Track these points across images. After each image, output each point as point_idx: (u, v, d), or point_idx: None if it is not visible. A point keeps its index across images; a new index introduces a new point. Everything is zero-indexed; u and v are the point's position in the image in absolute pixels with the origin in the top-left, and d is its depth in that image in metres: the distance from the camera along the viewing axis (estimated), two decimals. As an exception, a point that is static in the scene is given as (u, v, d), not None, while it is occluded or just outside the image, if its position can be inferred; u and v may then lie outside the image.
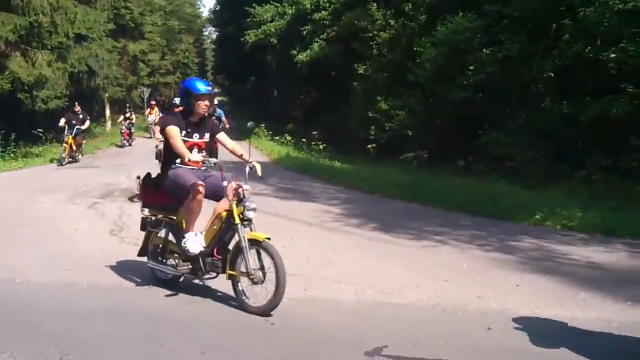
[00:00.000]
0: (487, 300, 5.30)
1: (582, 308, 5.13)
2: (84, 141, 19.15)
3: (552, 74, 14.15)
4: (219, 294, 5.44)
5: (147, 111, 26.98)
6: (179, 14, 56.95)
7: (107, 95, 33.31)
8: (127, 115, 25.77)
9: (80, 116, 18.07)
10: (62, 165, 16.81)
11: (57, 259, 6.58)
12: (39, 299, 5.29)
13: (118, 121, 26.53)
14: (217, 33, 60.46)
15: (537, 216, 9.17)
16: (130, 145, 25.02)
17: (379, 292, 5.56)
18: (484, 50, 14.97)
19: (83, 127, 18.16)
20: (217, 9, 54.35)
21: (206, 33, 76.86)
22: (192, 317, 4.85)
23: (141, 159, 18.77)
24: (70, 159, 17.37)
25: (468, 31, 15.56)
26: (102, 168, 16.59)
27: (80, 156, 18.32)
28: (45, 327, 4.44)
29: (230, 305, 5.14)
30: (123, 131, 25.44)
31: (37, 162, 18.15)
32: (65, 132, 17.15)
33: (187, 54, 60.31)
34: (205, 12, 72.41)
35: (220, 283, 5.68)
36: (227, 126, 12.67)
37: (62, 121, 17.58)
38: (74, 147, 17.53)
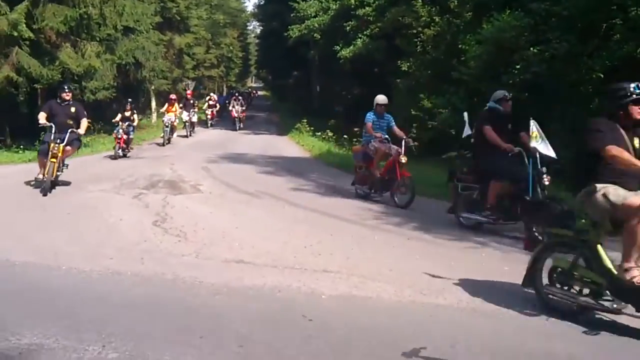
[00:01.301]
0: (527, 305, 5.21)
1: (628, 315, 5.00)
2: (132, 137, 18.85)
3: (602, 75, 13.79)
4: (258, 287, 5.48)
5: (165, 108, 23.16)
6: (224, 8, 57.48)
7: (153, 87, 33.88)
8: (127, 114, 18.39)
9: (127, 114, 18.29)
10: (115, 159, 16.95)
11: (101, 247, 6.73)
12: (83, 287, 5.42)
13: (113, 120, 18.77)
14: (261, 28, 60.84)
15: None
16: (125, 156, 17.58)
17: (417, 292, 5.53)
18: (531, 49, 14.67)
19: (134, 124, 18.58)
20: (261, 3, 54.74)
21: (250, 27, 77.47)
22: (230, 310, 4.90)
23: (184, 151, 19.09)
24: (122, 155, 17.38)
25: (515, 29, 15.27)
26: (146, 159, 16.90)
27: (129, 152, 18.18)
28: (89, 314, 4.54)
29: (268, 299, 5.19)
30: (120, 136, 17.33)
31: (85, 152, 18.54)
32: (117, 129, 17.32)
33: (231, 48, 60.87)
34: (249, 7, 73.45)
35: (260, 280, 5.74)
36: None
37: (118, 117, 18.08)
38: (123, 144, 17.54)
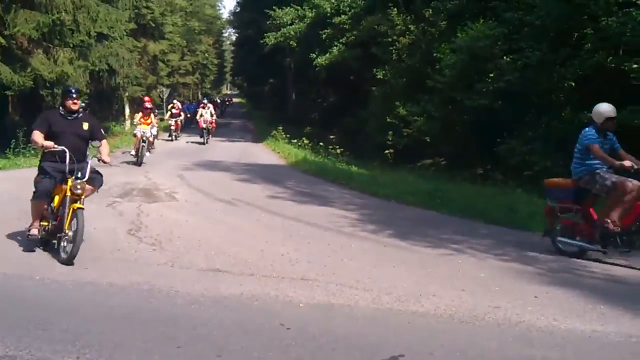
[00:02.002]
0: (504, 311, 5.25)
1: (602, 322, 5.07)
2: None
3: (573, 83, 14.03)
4: (235, 296, 5.45)
5: (138, 118, 19.38)
6: (200, 15, 57.33)
7: (127, 94, 33.57)
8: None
9: (150, 111, 19.05)
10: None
11: (76, 257, 6.61)
12: (57, 297, 5.34)
13: (135, 122, 19.67)
14: (236, 35, 60.82)
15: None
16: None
17: (395, 299, 5.54)
18: (504, 57, 14.88)
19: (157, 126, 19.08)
20: (237, 10, 54.70)
21: (226, 35, 77.47)
22: (207, 319, 4.85)
23: (159, 159, 18.92)
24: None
25: (488, 38, 15.48)
26: (120, 167, 16.70)
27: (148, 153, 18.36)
28: (63, 326, 4.47)
29: (245, 308, 5.15)
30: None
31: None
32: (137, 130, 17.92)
33: (206, 55, 60.67)
34: (225, 14, 73.20)
35: (237, 289, 5.71)
36: None
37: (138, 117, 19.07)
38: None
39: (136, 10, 33.00)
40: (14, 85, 18.23)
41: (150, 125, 18.83)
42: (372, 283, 6.01)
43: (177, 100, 33.69)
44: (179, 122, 28.52)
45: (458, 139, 17.26)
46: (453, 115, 17.37)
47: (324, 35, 25.51)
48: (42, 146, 6.73)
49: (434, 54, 17.96)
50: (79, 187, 6.55)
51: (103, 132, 7.77)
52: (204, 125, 26.41)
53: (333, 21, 25.29)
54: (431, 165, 17.56)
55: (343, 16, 25.08)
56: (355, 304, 5.42)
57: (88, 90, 24.41)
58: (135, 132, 18.18)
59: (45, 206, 6.88)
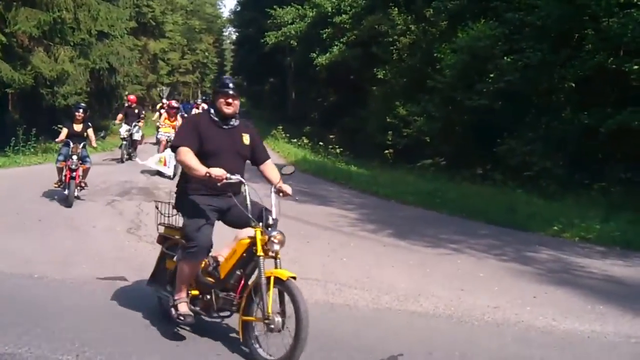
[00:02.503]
0: (503, 311, 5.26)
1: (601, 322, 5.07)
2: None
3: (573, 84, 14.03)
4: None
5: (161, 119, 17.09)
6: (200, 14, 57.34)
7: (126, 93, 33.52)
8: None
9: (136, 111, 17.68)
10: (122, 162, 16.35)
11: (75, 255, 6.63)
12: (56, 295, 5.34)
13: (158, 123, 17.68)
14: (237, 34, 60.67)
15: (555, 227, 9.11)
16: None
17: (394, 299, 5.54)
18: (505, 58, 14.87)
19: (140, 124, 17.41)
20: (237, 9, 54.56)
21: (226, 33, 77.20)
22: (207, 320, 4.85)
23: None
24: (128, 157, 16.64)
25: (489, 38, 15.47)
26: (119, 166, 16.68)
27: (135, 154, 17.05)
28: (62, 324, 4.47)
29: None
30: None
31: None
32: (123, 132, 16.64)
33: (206, 53, 60.66)
34: (225, 13, 73.04)
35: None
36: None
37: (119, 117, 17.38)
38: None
39: (137, 9, 33.02)
40: (14, 83, 18.18)
41: (136, 128, 17.11)
42: (372, 283, 6.02)
43: (167, 99, 27.10)
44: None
45: (458, 139, 17.25)
46: (453, 116, 17.35)
47: (324, 35, 25.48)
48: (207, 175, 4.10)
49: (435, 54, 17.94)
50: (276, 240, 4.23)
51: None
52: None
53: (334, 20, 25.26)
54: (431, 165, 17.53)
55: (344, 15, 25.06)
56: (355, 303, 5.43)
57: (88, 89, 24.33)
58: (158, 136, 15.45)
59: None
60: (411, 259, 7.26)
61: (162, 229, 5.02)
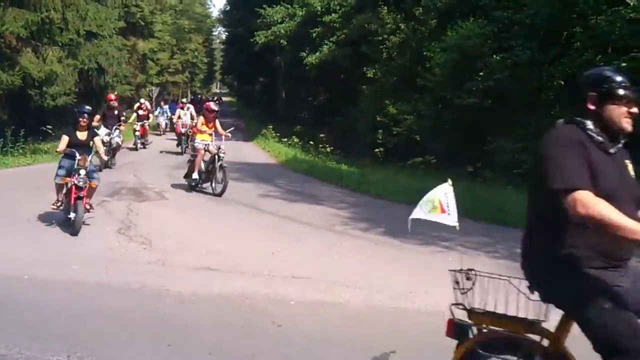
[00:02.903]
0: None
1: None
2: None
3: (562, 82, 14.11)
4: (226, 295, 5.43)
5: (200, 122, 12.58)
6: (189, 14, 57.11)
7: (116, 93, 33.39)
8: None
9: (116, 112, 15.82)
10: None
11: (65, 256, 6.59)
12: (47, 297, 5.30)
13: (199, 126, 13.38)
14: (226, 33, 60.63)
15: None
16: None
17: (386, 297, 5.55)
18: (494, 56, 14.95)
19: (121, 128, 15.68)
20: (227, 9, 54.55)
21: (215, 33, 77.15)
22: (199, 318, 4.85)
23: (148, 157, 18.84)
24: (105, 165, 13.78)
25: (478, 37, 15.54)
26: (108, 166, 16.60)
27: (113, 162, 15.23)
28: (53, 325, 4.45)
29: (237, 306, 5.14)
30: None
31: (46, 158, 18.15)
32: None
33: (196, 53, 60.43)
34: (215, 12, 72.96)
35: (228, 287, 5.71)
36: None
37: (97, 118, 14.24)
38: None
39: (125, 9, 32.83)
40: (2, 84, 18.10)
41: (116, 132, 15.42)
42: (364, 281, 6.02)
43: (144, 99, 24.92)
44: (146, 127, 21.26)
45: (448, 138, 17.31)
46: (443, 114, 17.41)
47: (314, 34, 25.52)
48: None
49: (424, 53, 18.01)
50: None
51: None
52: (182, 130, 20.00)
53: (323, 20, 25.30)
54: (421, 164, 17.57)
55: (333, 15, 25.10)
56: (347, 301, 5.43)
57: (77, 89, 24.22)
58: (196, 144, 12.32)
59: None
60: (403, 256, 7.27)
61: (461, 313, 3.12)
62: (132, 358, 3.92)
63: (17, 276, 5.76)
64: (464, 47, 15.80)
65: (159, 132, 26.26)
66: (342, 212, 10.49)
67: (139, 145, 20.43)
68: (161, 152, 20.54)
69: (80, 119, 8.47)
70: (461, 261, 3.46)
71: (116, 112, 15.91)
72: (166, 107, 29.26)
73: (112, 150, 15.14)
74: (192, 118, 19.82)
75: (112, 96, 16.88)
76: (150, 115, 22.21)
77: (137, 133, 20.37)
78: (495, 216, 9.85)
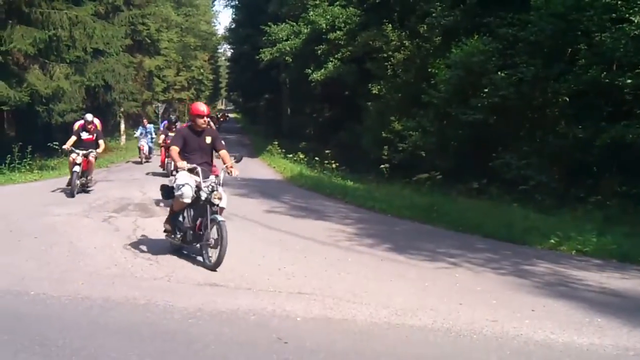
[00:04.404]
0: (502, 325, 5.25)
1: (599, 335, 5.07)
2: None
3: (567, 98, 14.12)
4: (232, 311, 5.42)
5: None
6: (195, 31, 57.44)
7: (122, 110, 33.61)
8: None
9: (94, 137, 13.37)
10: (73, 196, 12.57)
11: (71, 272, 6.60)
12: (53, 312, 5.30)
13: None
14: (232, 50, 60.99)
15: (552, 241, 9.11)
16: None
17: (392, 313, 5.53)
18: (499, 73, 14.97)
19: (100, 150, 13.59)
20: (232, 27, 54.93)
21: (221, 50, 77.59)
22: (204, 334, 4.83)
23: (155, 172, 18.88)
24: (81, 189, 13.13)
25: (483, 54, 15.57)
26: (115, 182, 16.67)
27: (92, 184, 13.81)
28: (59, 341, 4.44)
29: (242, 322, 5.14)
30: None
31: (53, 174, 18.25)
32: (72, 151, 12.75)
33: (202, 70, 60.76)
34: (220, 30, 73.24)
35: (234, 303, 5.70)
36: None
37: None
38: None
39: (132, 27, 33.10)
40: (9, 100, 18.24)
41: (92, 153, 13.26)
42: (369, 297, 6.00)
43: (171, 116, 21.90)
44: (91, 159, 13.51)
45: (453, 154, 17.29)
46: (448, 130, 17.42)
47: (319, 51, 25.63)
48: None
49: (429, 69, 18.05)
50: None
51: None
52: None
53: (328, 37, 25.41)
54: (427, 180, 17.53)
55: (338, 32, 25.21)
56: (353, 317, 5.41)
57: (84, 106, 24.39)
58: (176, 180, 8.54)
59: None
60: (409, 273, 7.26)
61: None
62: (138, 374, 3.91)
63: (23, 291, 5.78)
64: (468, 64, 15.83)
65: (139, 160, 22.78)
66: (347, 227, 10.48)
67: (75, 190, 12.94)
68: (147, 173, 18.75)
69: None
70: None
71: (93, 137, 13.39)
72: (150, 126, 24.09)
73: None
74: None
75: (89, 115, 13.74)
76: (101, 141, 13.82)
77: (75, 169, 12.96)
78: (502, 232, 9.82)
